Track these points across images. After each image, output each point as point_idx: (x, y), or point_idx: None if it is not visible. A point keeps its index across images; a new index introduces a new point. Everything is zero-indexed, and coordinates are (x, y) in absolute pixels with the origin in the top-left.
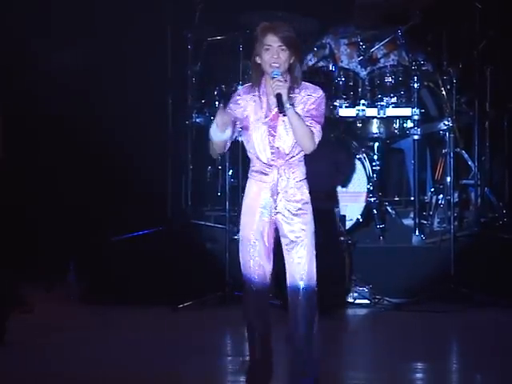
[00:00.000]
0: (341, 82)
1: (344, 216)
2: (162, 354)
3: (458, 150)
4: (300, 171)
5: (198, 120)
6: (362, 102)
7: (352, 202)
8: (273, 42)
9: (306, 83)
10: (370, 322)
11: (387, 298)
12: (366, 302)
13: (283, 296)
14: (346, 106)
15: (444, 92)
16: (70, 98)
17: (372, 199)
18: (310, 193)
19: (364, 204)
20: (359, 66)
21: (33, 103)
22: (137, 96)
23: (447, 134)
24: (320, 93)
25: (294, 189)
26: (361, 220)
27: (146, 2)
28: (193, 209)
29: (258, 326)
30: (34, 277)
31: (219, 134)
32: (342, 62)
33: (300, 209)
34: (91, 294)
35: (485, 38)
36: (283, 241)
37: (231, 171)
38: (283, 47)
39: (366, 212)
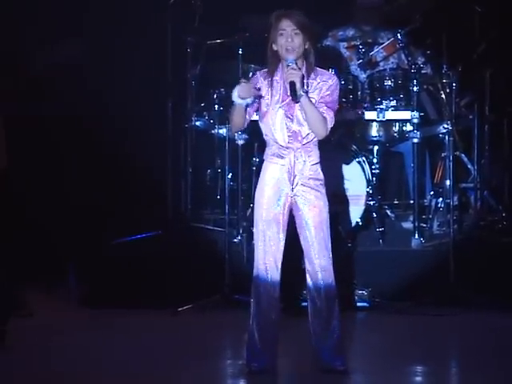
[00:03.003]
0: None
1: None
2: (162, 357)
3: (458, 153)
4: (315, 154)
5: (197, 123)
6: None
7: (351, 205)
8: (287, 26)
9: (321, 69)
10: (370, 325)
11: (387, 301)
12: (366, 305)
13: (286, 299)
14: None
15: (443, 95)
16: (68, 101)
17: (371, 202)
18: None
19: (363, 207)
20: (358, 69)
21: (32, 108)
22: (136, 99)
23: (447, 137)
24: (334, 79)
25: (310, 171)
26: (360, 223)
27: (145, 5)
28: (192, 212)
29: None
30: (33, 279)
31: (241, 101)
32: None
33: (316, 190)
34: (91, 296)
35: (484, 42)
36: (298, 223)
37: (231, 174)
38: (297, 31)
39: (366, 215)
